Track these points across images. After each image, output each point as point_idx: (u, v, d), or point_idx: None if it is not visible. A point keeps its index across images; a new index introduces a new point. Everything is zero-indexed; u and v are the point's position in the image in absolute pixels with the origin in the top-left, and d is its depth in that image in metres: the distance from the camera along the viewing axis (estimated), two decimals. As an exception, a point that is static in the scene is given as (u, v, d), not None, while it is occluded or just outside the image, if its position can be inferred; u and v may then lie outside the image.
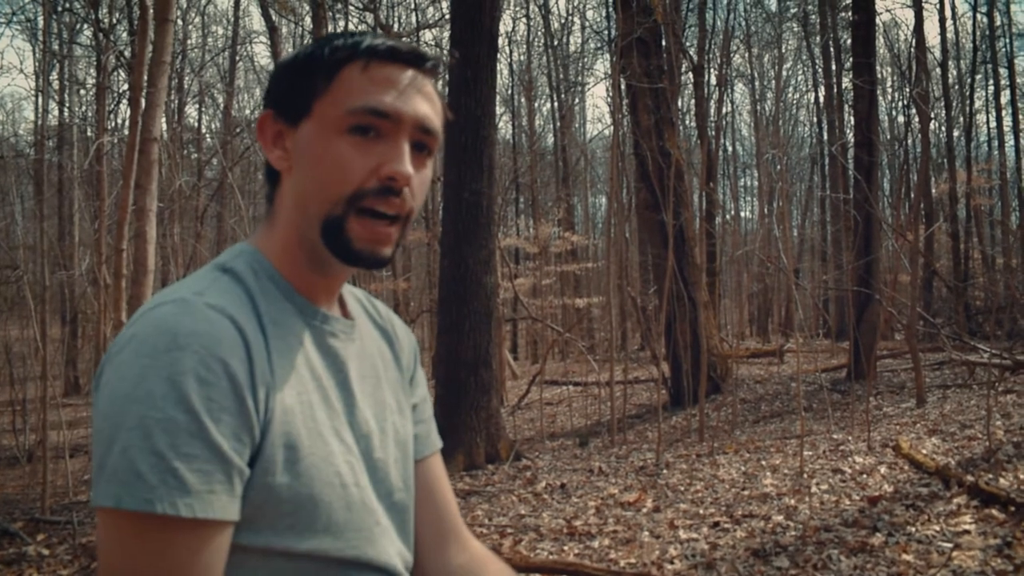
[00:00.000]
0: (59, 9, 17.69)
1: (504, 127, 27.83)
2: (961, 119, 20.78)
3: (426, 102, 0.95)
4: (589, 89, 30.64)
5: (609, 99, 26.66)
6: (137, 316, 0.84)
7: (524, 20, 28.26)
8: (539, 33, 28.34)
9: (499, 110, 17.06)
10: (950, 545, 3.92)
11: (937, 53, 20.89)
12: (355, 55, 0.92)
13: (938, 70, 20.69)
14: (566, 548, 4.58)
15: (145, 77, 5.11)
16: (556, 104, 27.34)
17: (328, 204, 0.91)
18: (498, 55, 8.36)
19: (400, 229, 0.95)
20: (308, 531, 0.87)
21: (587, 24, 27.38)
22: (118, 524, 0.76)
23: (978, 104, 24.06)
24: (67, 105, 20.22)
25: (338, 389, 0.96)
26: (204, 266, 0.95)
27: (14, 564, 5.06)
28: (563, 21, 34.39)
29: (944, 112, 19.57)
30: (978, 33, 21.09)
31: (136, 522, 0.75)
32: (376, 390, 1.03)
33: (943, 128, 20.83)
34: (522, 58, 29.18)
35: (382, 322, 1.14)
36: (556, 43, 27.36)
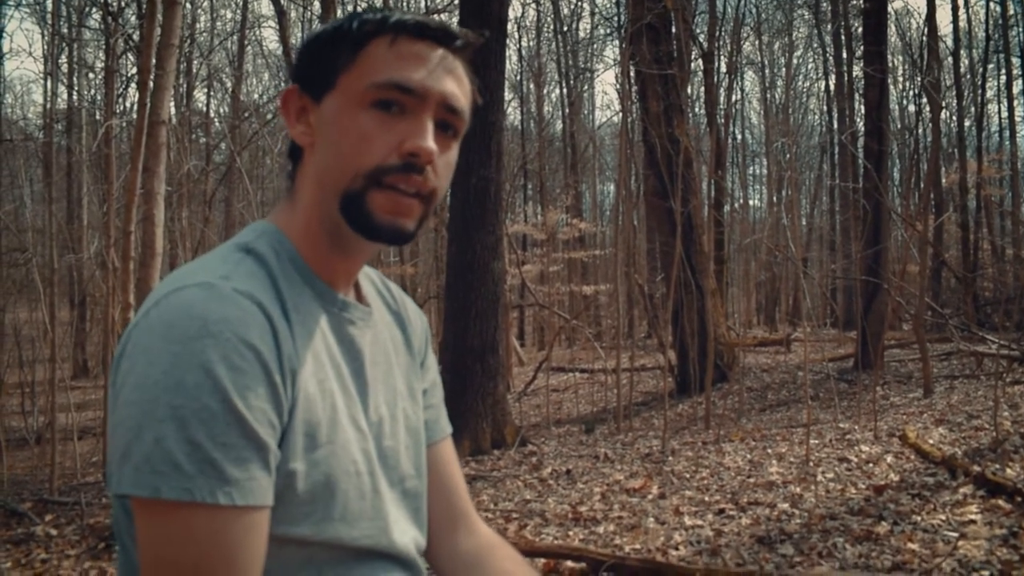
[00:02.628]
0: (68, -8, 17.69)
1: (513, 113, 27.80)
2: (972, 109, 20.62)
3: (454, 81, 0.93)
4: (598, 76, 30.62)
5: (618, 86, 26.58)
6: (159, 297, 0.81)
7: (533, 6, 28.13)
8: (548, 19, 28.25)
9: (508, 96, 17.02)
10: (956, 535, 3.92)
11: (949, 42, 20.75)
12: (383, 29, 0.89)
13: (950, 59, 20.55)
14: (571, 533, 4.59)
15: (154, 60, 5.10)
16: (565, 90, 27.24)
17: (348, 178, 0.88)
18: (507, 41, 8.32)
19: (423, 206, 0.92)
20: (324, 520, 0.87)
21: (597, 10, 27.20)
22: (158, 514, 0.75)
23: (990, 94, 23.88)
24: (76, 88, 20.23)
25: (353, 377, 0.95)
26: (224, 244, 0.92)
27: (23, 544, 5.10)
28: (573, 7, 34.23)
29: (955, 101, 19.45)
30: (991, 22, 20.90)
31: (177, 511, 0.74)
32: (388, 376, 1.02)
33: (954, 117, 20.70)
34: (531, 44, 29.11)
35: (396, 306, 1.13)
36: (565, 29, 27.24)
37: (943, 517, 4.23)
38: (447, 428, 1.18)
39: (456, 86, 0.93)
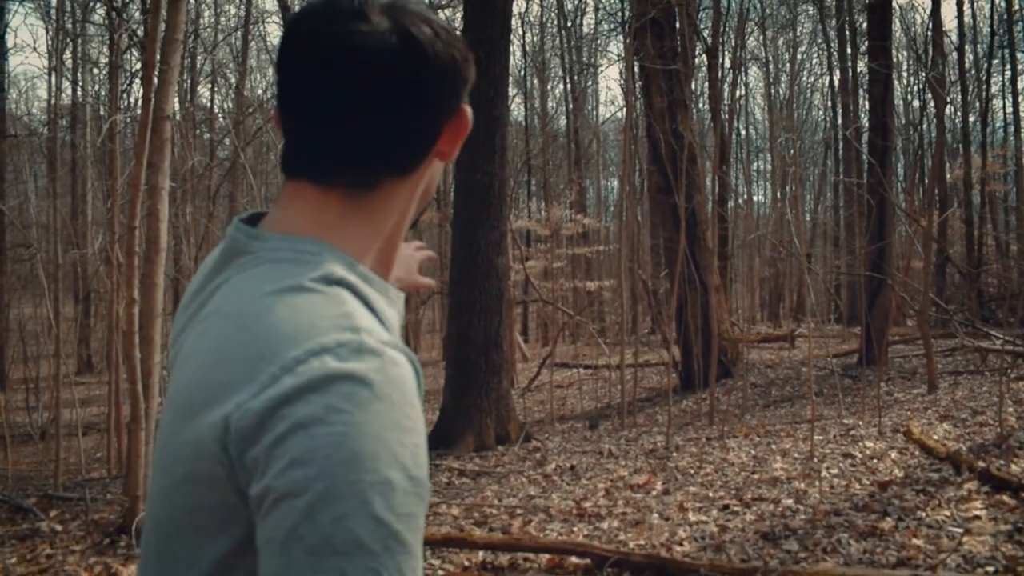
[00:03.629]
0: (72, -13, 17.71)
1: (516, 109, 27.74)
2: (977, 104, 20.57)
3: None
4: (602, 71, 30.47)
5: (622, 81, 26.52)
6: (290, 361, 0.73)
7: (537, 1, 28.06)
8: (552, 14, 28.17)
9: (511, 92, 17.00)
10: (960, 530, 3.92)
11: (954, 37, 20.68)
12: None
13: (955, 54, 20.50)
14: (575, 529, 4.59)
15: (158, 55, 5.10)
16: (569, 86, 27.20)
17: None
18: (511, 36, 8.31)
19: None
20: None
21: (600, 5, 27.20)
22: None
23: (994, 89, 23.74)
24: (80, 84, 20.25)
25: None
26: (287, 272, 0.81)
27: (28, 540, 5.12)
28: (576, 2, 34.17)
29: (960, 97, 19.35)
30: (996, 17, 20.81)
31: None
32: None
33: (959, 113, 20.59)
34: (535, 39, 29.04)
35: None
36: (569, 24, 27.19)
37: (948, 513, 4.23)
38: None
39: None
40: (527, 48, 28.36)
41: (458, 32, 0.89)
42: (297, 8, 0.90)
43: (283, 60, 0.85)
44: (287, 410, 0.71)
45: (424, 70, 0.84)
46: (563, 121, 28.88)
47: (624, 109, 11.40)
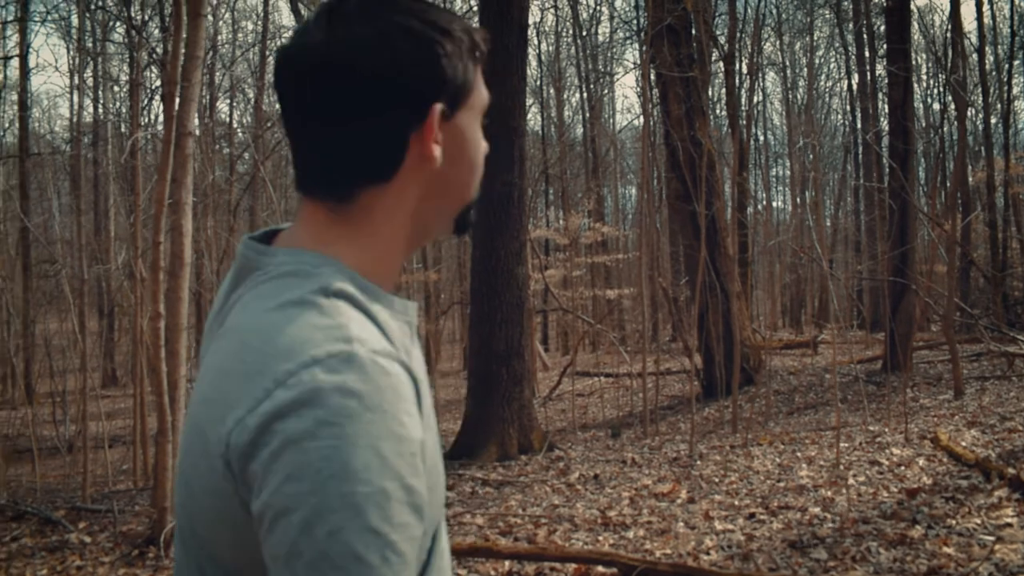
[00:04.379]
0: (92, 7, 17.93)
1: (533, 119, 27.80)
2: (999, 106, 20.40)
3: None
4: (618, 79, 30.35)
5: (639, 89, 26.52)
6: (283, 375, 0.74)
7: (552, 11, 28.09)
8: (567, 24, 28.23)
9: (528, 101, 17.03)
10: (992, 538, 3.87)
11: (974, 38, 20.50)
12: (476, 51, 0.91)
13: (975, 56, 20.34)
14: (601, 538, 4.57)
15: (179, 72, 5.16)
16: (585, 95, 27.23)
17: (473, 190, 0.92)
18: (527, 46, 8.34)
19: None
20: (432, 541, 0.86)
21: (616, 14, 27.24)
22: None
23: (1016, 90, 23.67)
24: (101, 102, 20.50)
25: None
26: (288, 286, 0.82)
27: (57, 551, 5.16)
28: (592, 11, 34.21)
29: (981, 99, 19.21)
30: (1016, 18, 20.64)
31: None
32: None
33: (980, 115, 20.45)
34: (550, 49, 29.07)
35: None
36: (585, 33, 27.23)
37: (978, 520, 4.18)
38: None
39: None
40: (543, 58, 28.43)
41: (441, 27, 0.85)
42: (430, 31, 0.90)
43: None
44: (280, 425, 0.71)
45: (356, 78, 0.82)
46: (580, 130, 28.92)
47: (641, 117, 11.40)
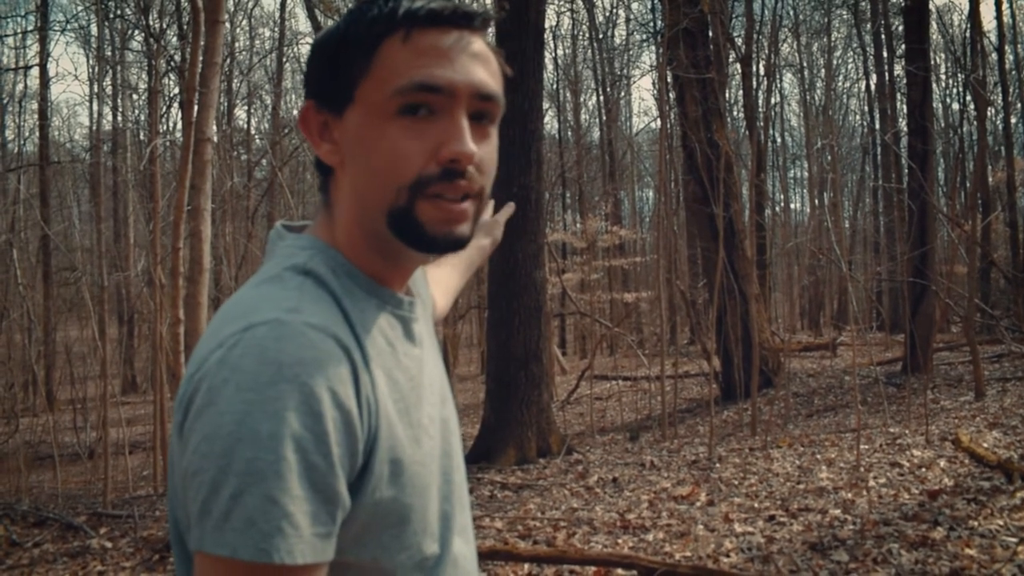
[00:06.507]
0: (111, 16, 18.11)
1: (549, 122, 27.77)
2: (1019, 105, 20.25)
3: (480, 65, 0.84)
4: (635, 82, 30.43)
5: (655, 91, 26.48)
6: (224, 337, 0.76)
7: (568, 14, 28.14)
8: (584, 27, 28.24)
9: (544, 105, 17.03)
10: (1015, 540, 3.83)
11: (993, 37, 20.34)
12: (394, 25, 0.81)
13: (994, 55, 20.17)
14: (620, 541, 4.56)
15: (198, 81, 5.20)
16: (602, 98, 27.21)
17: (390, 195, 0.82)
18: (544, 50, 8.34)
19: (475, 205, 0.86)
20: (411, 537, 0.85)
21: (632, 16, 27.20)
22: (232, 573, 0.70)
23: (1036, 89, 23.33)
24: (120, 110, 20.67)
25: (423, 376, 0.91)
26: (275, 264, 0.86)
27: (79, 557, 5.20)
28: (608, 14, 34.20)
29: (1001, 98, 19.04)
30: (1036, 16, 20.50)
31: (250, 572, 0.70)
32: (435, 368, 0.97)
33: (1000, 115, 20.26)
34: (567, 52, 29.08)
35: (422, 287, 1.08)
36: (601, 36, 27.23)
37: (1001, 522, 4.14)
38: None
39: (484, 70, 0.85)
40: (559, 61, 28.44)
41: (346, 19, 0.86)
42: (327, 29, 0.88)
43: None
44: (205, 384, 0.74)
45: (310, 60, 0.90)
46: (597, 133, 28.91)
47: (658, 119, 11.38)
